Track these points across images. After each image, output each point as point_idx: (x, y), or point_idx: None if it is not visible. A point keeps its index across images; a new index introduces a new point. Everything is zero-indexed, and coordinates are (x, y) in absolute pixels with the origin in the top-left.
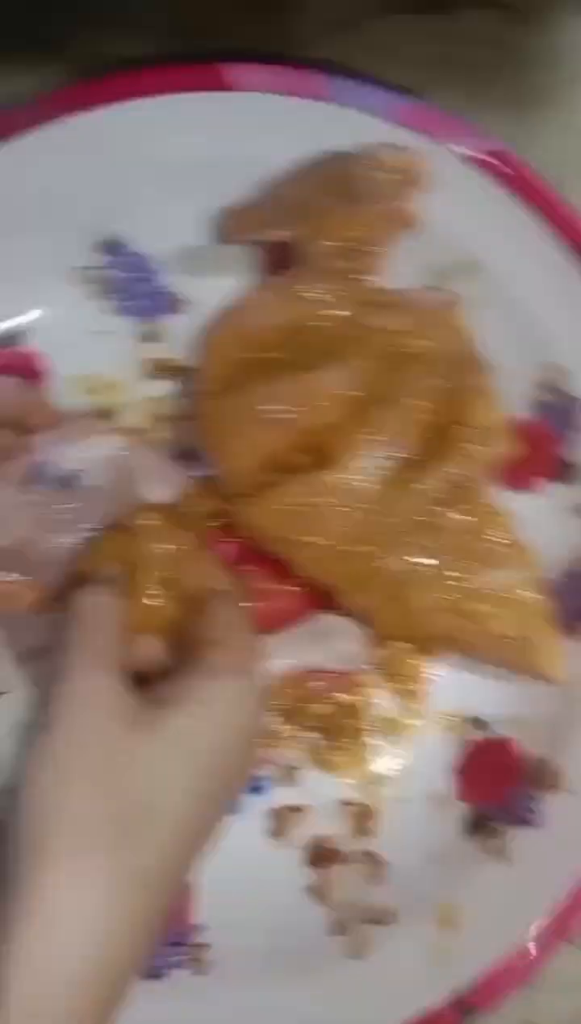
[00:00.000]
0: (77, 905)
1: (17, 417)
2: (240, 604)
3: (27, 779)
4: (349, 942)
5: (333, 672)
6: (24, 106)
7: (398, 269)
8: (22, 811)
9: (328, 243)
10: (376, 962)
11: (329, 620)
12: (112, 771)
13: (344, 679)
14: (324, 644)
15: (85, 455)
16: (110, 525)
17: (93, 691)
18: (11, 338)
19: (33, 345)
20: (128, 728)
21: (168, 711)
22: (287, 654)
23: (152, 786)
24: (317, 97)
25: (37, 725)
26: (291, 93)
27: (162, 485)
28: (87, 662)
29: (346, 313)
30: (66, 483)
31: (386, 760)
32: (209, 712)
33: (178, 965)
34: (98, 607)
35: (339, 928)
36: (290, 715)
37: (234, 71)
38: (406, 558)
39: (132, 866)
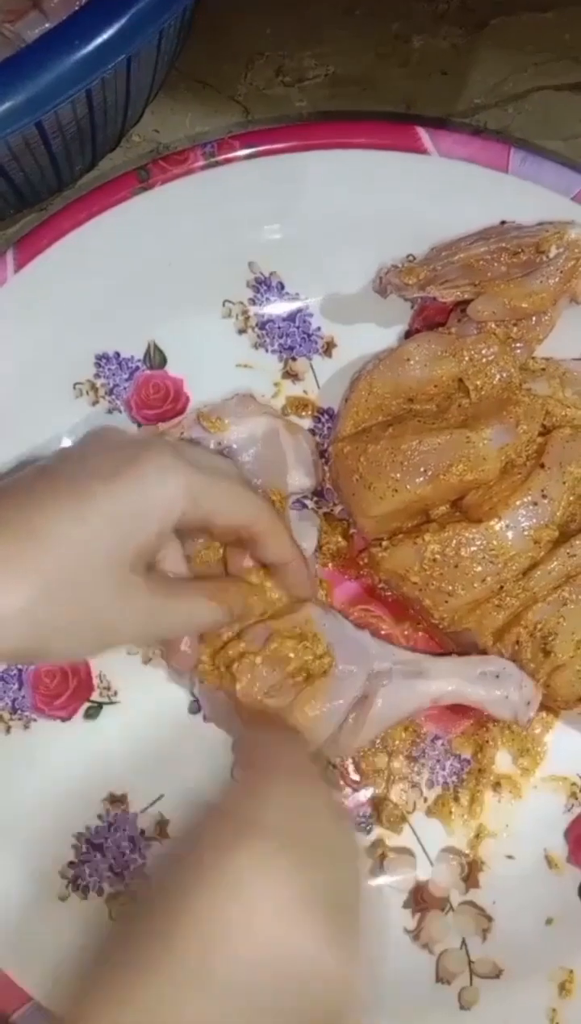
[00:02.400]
0: None
1: None
2: None
3: None
4: (456, 993)
5: (485, 715)
6: (203, 146)
7: (559, 339)
8: None
9: (498, 309)
10: (486, 1017)
11: (505, 664)
12: None
13: (476, 729)
14: (494, 686)
15: (239, 432)
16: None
17: None
18: (163, 361)
19: (182, 371)
20: None
21: None
22: (450, 679)
23: None
24: (501, 168)
25: None
26: (476, 162)
27: (305, 473)
28: None
29: (507, 377)
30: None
31: (497, 817)
32: None
33: None
34: None
35: (446, 977)
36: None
37: (429, 134)
38: (551, 613)
39: None
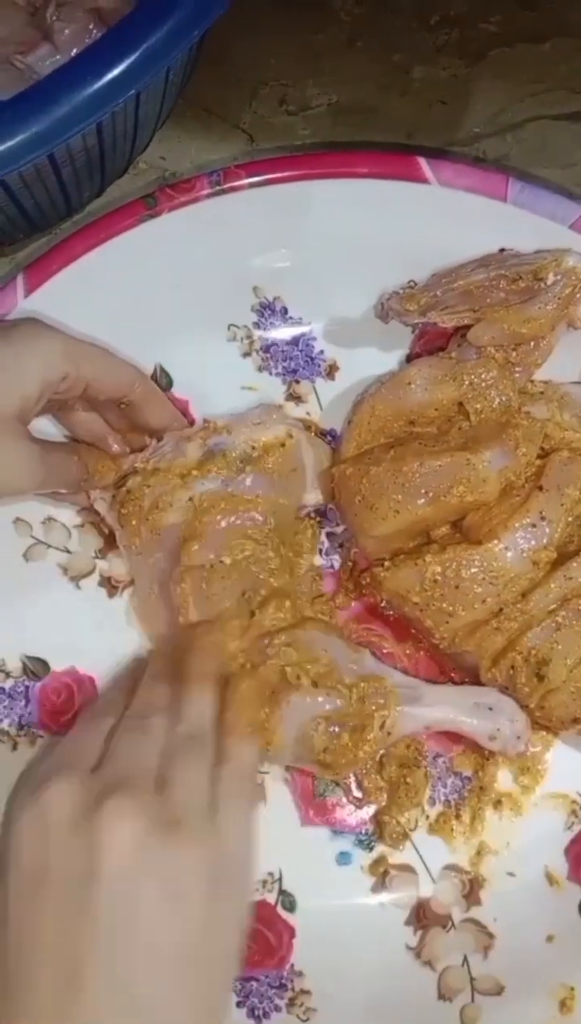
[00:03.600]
0: None
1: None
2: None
3: None
4: (459, 1010)
5: (475, 744)
6: (210, 174)
7: (557, 362)
8: None
9: (497, 335)
10: None
11: (499, 697)
12: None
13: (477, 748)
14: (487, 718)
15: (261, 439)
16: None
17: None
18: (170, 383)
19: (188, 392)
20: None
21: None
22: (444, 708)
23: None
24: (500, 197)
25: None
26: (476, 191)
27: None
28: None
29: (507, 400)
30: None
31: (499, 834)
32: None
33: (280, 1009)
34: None
35: (448, 994)
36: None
37: (429, 164)
38: (545, 639)
39: None
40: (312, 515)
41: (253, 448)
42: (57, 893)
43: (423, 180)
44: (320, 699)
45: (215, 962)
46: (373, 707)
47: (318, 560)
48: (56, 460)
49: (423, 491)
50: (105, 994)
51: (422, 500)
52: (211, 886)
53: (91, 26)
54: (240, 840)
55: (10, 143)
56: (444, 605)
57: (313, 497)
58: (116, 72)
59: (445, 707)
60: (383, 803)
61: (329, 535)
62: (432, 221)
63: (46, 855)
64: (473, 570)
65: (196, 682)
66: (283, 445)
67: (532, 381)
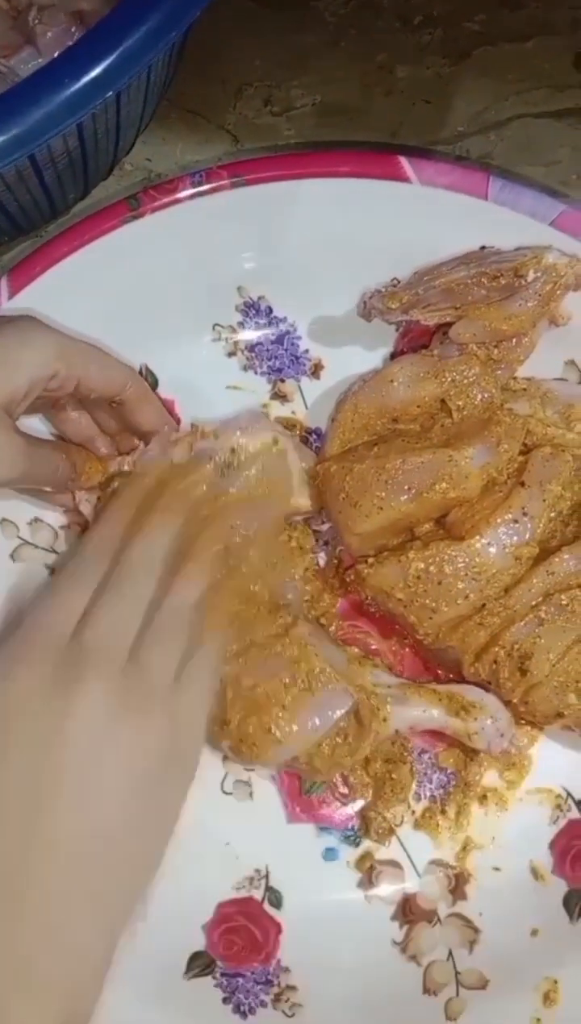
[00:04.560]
0: None
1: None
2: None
3: None
4: (443, 1004)
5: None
6: (192, 175)
7: (539, 359)
8: None
9: (479, 332)
10: None
11: (482, 695)
12: None
13: (456, 745)
14: (470, 716)
15: (247, 445)
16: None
17: None
18: (155, 384)
19: (173, 392)
20: None
21: None
22: (428, 709)
23: None
24: (481, 195)
25: None
26: (457, 189)
27: (309, 495)
28: None
29: (489, 397)
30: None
31: (484, 829)
32: None
33: (266, 1004)
34: None
35: (433, 988)
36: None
37: (410, 163)
38: (528, 633)
39: None
40: (300, 521)
41: (239, 453)
42: (23, 751)
43: (405, 179)
44: (339, 712)
45: (150, 836)
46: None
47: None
48: (41, 455)
49: (406, 488)
50: (66, 820)
51: (405, 497)
52: (163, 765)
53: (73, 29)
54: (196, 725)
55: None
56: (427, 601)
57: (302, 503)
58: (94, 73)
59: (430, 708)
60: (369, 799)
61: (314, 532)
62: (414, 219)
63: (16, 720)
64: (456, 566)
65: (196, 563)
66: (270, 450)
67: (514, 378)
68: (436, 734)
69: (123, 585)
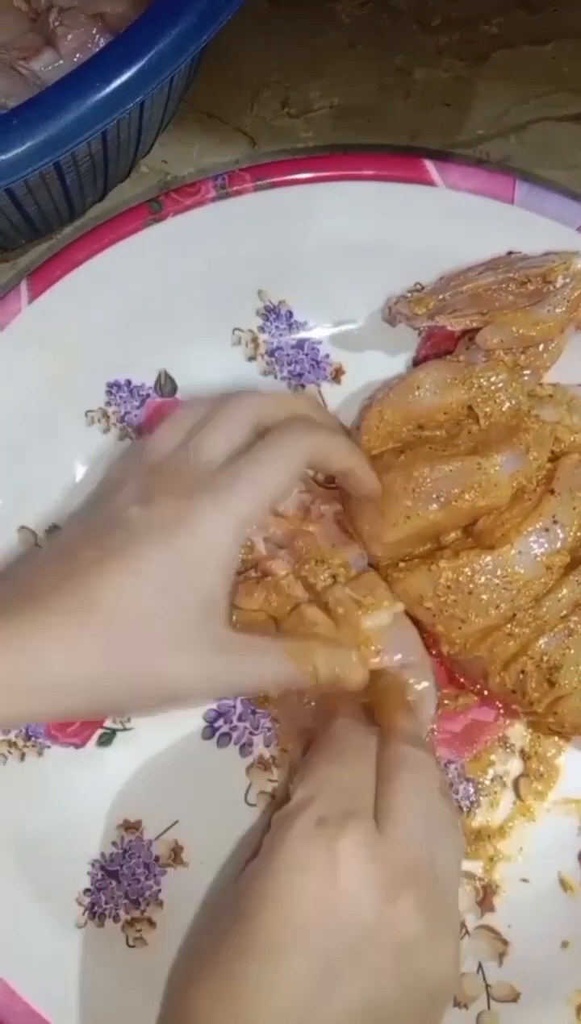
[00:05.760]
0: None
1: None
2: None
3: None
4: (475, 1017)
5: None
6: (214, 178)
7: (565, 364)
8: None
9: (507, 338)
10: None
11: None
12: None
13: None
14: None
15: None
16: None
17: None
18: (174, 389)
19: (192, 397)
20: None
21: None
22: None
23: None
24: (507, 199)
25: None
26: (482, 193)
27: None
28: None
29: (516, 403)
30: None
31: (511, 839)
32: None
33: None
34: None
35: (463, 1001)
36: None
37: (435, 166)
38: (557, 644)
39: None
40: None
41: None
42: (339, 957)
43: (429, 182)
44: None
45: None
46: None
47: None
48: (255, 668)
49: (435, 496)
50: None
51: (434, 506)
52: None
53: (95, 31)
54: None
55: (18, 150)
56: (457, 611)
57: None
58: (124, 78)
59: None
60: None
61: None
62: (438, 223)
63: (335, 919)
64: (486, 576)
65: None
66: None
67: (541, 384)
68: (464, 743)
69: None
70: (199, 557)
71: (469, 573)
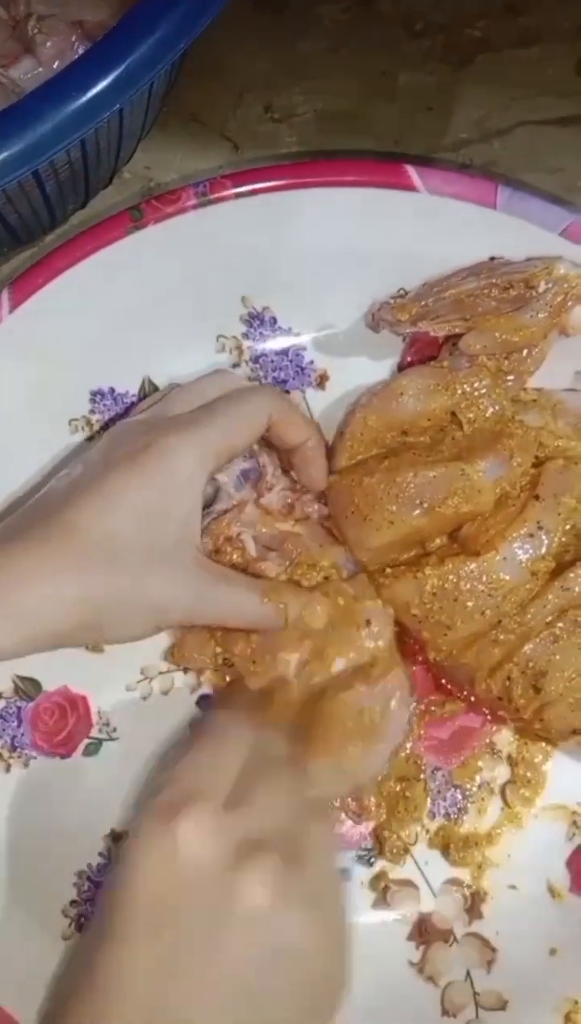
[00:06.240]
0: None
1: None
2: None
3: None
4: None
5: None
6: (196, 185)
7: (548, 370)
8: None
9: (490, 343)
10: None
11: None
12: None
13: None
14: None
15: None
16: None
17: None
18: None
19: None
20: None
21: None
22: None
23: None
24: (489, 204)
25: None
26: (465, 198)
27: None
28: None
29: (500, 409)
30: None
31: (499, 846)
32: None
33: None
34: None
35: (452, 1010)
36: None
37: (417, 172)
38: (542, 651)
39: None
40: None
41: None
42: (186, 932)
43: (411, 188)
44: None
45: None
46: None
47: None
48: (233, 596)
49: (418, 502)
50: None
51: (417, 511)
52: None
53: (73, 39)
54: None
55: None
56: (443, 618)
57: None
58: (101, 87)
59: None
60: (382, 818)
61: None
62: (421, 229)
63: (176, 895)
64: (472, 582)
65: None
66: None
67: (525, 389)
68: (451, 750)
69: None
70: (166, 481)
71: (455, 580)
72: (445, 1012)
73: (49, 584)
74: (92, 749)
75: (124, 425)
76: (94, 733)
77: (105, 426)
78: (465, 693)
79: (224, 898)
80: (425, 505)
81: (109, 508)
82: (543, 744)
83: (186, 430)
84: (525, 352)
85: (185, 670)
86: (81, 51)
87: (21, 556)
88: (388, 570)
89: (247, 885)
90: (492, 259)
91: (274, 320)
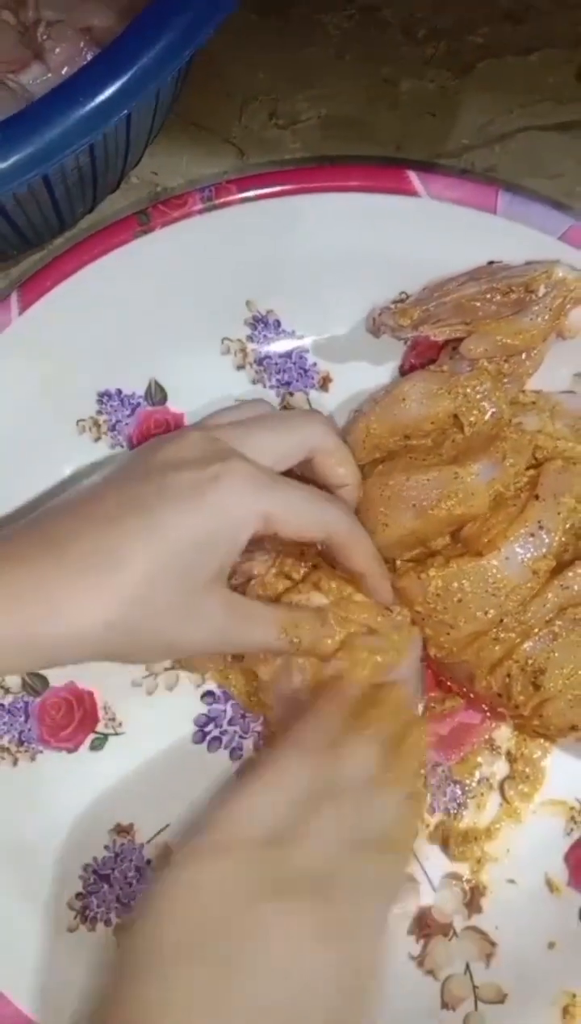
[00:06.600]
0: None
1: None
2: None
3: None
4: (462, 1018)
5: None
6: (201, 190)
7: (546, 372)
8: None
9: (490, 347)
10: None
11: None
12: None
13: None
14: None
15: None
16: None
17: None
18: (164, 398)
19: (182, 406)
20: None
21: None
22: None
23: None
24: (490, 209)
25: None
26: (466, 203)
27: None
28: None
29: (499, 412)
30: None
31: (498, 841)
32: None
33: None
34: None
35: (451, 1003)
36: None
37: (419, 177)
38: (542, 648)
39: None
40: None
41: None
42: (217, 967)
43: (413, 193)
44: None
45: None
46: None
47: None
48: (255, 635)
49: (411, 504)
50: None
51: (409, 514)
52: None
53: (82, 45)
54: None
55: (5, 164)
56: (446, 617)
57: None
58: (109, 93)
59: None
60: None
61: None
62: (422, 234)
63: (209, 930)
64: (475, 582)
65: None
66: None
67: (524, 391)
68: (452, 745)
69: (330, 812)
70: (221, 521)
71: (459, 580)
72: (445, 1005)
73: (75, 625)
74: (98, 744)
75: (168, 447)
76: (100, 728)
77: (113, 427)
78: (465, 690)
79: (255, 935)
80: (417, 508)
81: (155, 541)
82: (542, 740)
83: (251, 480)
84: (524, 355)
85: None
86: (89, 57)
87: (52, 581)
88: (398, 564)
89: (278, 925)
90: (491, 263)
91: (278, 323)
